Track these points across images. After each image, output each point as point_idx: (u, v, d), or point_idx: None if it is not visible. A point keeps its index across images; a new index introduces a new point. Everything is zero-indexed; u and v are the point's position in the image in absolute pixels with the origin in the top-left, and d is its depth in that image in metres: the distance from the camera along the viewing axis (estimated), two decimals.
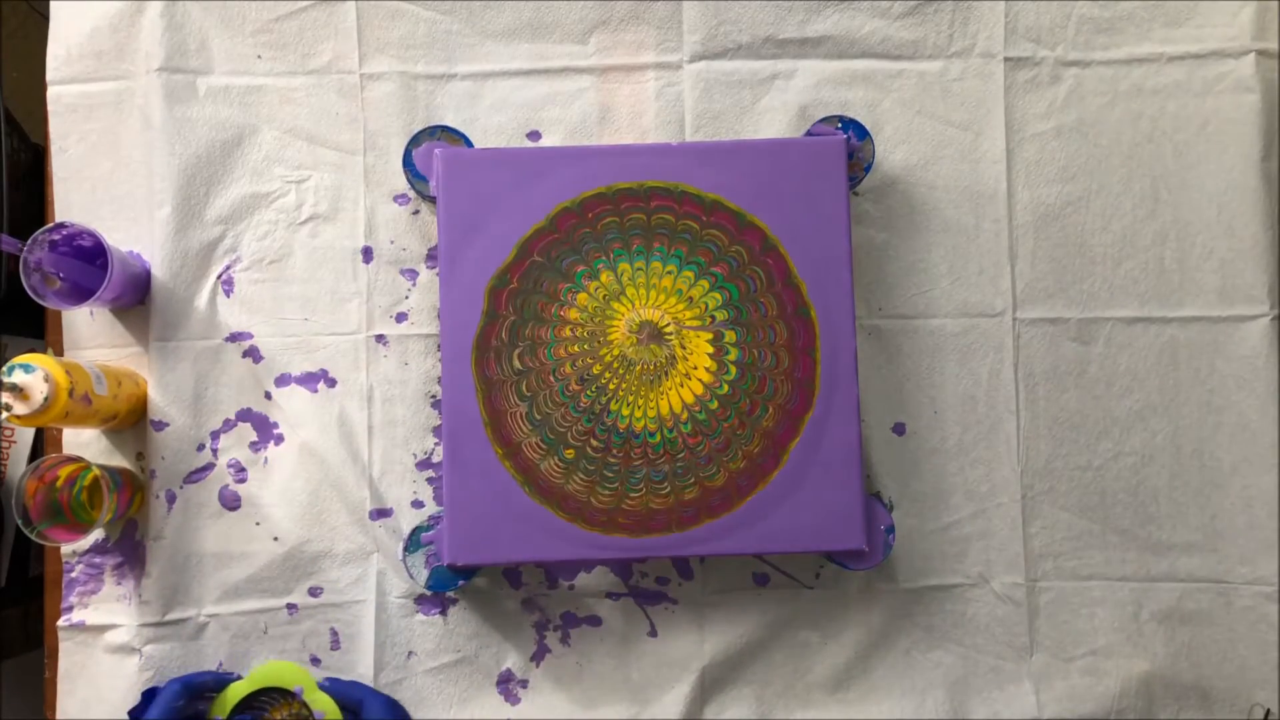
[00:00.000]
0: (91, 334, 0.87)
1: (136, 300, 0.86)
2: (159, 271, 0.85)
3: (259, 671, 0.81)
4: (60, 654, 0.84)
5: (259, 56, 0.88)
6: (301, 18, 0.88)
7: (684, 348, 0.80)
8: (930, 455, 0.87)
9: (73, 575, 0.85)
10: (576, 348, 0.80)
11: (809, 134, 0.85)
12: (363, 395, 0.86)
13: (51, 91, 0.87)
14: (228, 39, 0.88)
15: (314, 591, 0.85)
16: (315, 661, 0.84)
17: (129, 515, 0.85)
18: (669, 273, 0.81)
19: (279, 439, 0.86)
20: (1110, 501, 0.86)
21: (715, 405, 0.80)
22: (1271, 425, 0.86)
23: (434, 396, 0.86)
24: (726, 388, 0.80)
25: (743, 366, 0.80)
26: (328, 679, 0.82)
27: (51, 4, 0.88)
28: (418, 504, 0.86)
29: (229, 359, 0.86)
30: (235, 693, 0.80)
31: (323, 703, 0.80)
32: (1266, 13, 0.88)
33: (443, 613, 0.85)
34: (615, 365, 0.80)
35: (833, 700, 0.85)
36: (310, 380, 0.86)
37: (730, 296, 0.81)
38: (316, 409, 0.86)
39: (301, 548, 0.85)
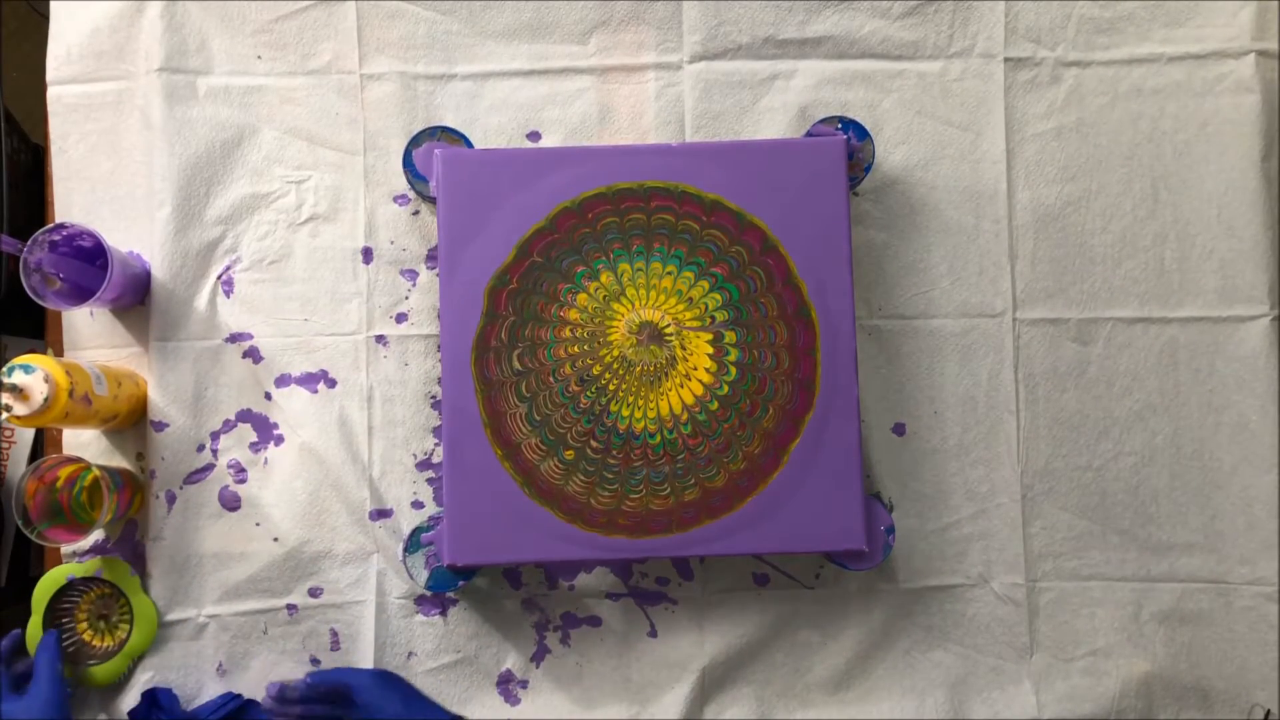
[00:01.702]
0: (91, 334, 0.87)
1: (136, 300, 0.86)
2: (159, 271, 0.85)
3: (35, 602, 0.82)
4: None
5: (259, 56, 0.88)
6: (301, 18, 0.88)
7: (684, 348, 0.80)
8: (930, 455, 0.87)
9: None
10: (576, 348, 0.80)
11: (809, 134, 0.85)
12: (363, 396, 0.86)
13: (51, 91, 0.87)
14: (228, 39, 0.88)
15: (314, 592, 0.85)
16: (315, 662, 0.84)
17: (129, 515, 0.85)
18: (669, 273, 0.81)
19: (279, 439, 0.86)
20: (1110, 502, 0.86)
21: (715, 406, 0.80)
22: (1271, 425, 0.86)
23: (434, 397, 0.86)
24: (727, 388, 0.80)
25: (743, 367, 0.80)
26: (311, 674, 0.78)
27: (51, 4, 0.88)
28: (418, 504, 0.86)
29: (229, 359, 0.86)
30: (34, 626, 0.81)
31: (82, 567, 0.82)
32: (1266, 13, 0.88)
33: (443, 613, 0.85)
34: (615, 366, 0.80)
35: (833, 700, 0.85)
36: (310, 381, 0.86)
37: (730, 297, 0.80)
38: (316, 409, 0.86)
39: (301, 548, 0.85)
